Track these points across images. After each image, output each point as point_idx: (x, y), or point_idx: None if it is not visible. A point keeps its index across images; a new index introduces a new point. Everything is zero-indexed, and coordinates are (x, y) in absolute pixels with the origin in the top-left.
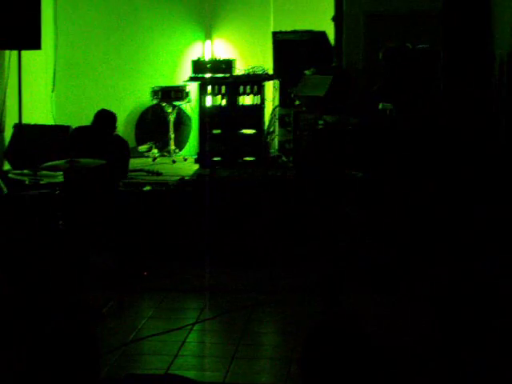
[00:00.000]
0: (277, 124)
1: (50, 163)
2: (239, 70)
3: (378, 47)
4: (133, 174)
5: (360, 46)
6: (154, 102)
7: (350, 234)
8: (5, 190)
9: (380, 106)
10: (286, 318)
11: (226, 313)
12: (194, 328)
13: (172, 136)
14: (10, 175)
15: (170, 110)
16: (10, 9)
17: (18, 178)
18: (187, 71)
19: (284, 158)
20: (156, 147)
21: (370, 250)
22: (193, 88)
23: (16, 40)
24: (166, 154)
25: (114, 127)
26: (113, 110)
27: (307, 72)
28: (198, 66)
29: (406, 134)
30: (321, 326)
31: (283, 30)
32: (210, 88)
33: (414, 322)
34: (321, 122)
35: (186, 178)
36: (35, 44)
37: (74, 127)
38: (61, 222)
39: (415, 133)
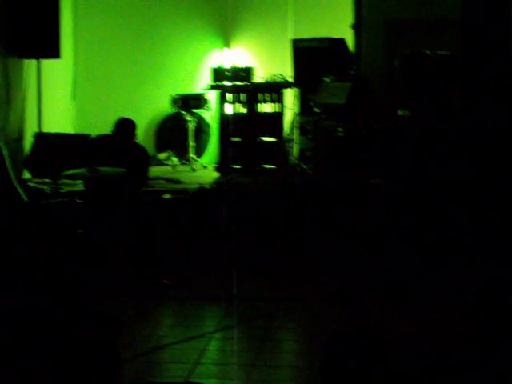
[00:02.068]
0: (296, 132)
1: (69, 172)
2: (259, 77)
3: (397, 54)
4: (152, 182)
5: (379, 53)
6: (174, 110)
7: (368, 241)
8: (25, 198)
9: (398, 113)
10: (307, 325)
11: (247, 320)
12: (215, 336)
13: (191, 144)
14: (29, 184)
15: (189, 118)
16: (29, 18)
17: (38, 186)
18: (207, 79)
19: (304, 166)
20: (175, 155)
21: (388, 257)
22: (212, 96)
23: (35, 49)
24: (185, 162)
25: (134, 135)
26: (132, 118)
27: (326, 79)
28: (218, 73)
29: (423, 141)
30: (341, 334)
31: (302, 37)
32: (229, 96)
33: (434, 331)
34: (340, 130)
35: (206, 186)
36: (54, 53)
37: (93, 136)
38: (81, 231)
39: (433, 139)
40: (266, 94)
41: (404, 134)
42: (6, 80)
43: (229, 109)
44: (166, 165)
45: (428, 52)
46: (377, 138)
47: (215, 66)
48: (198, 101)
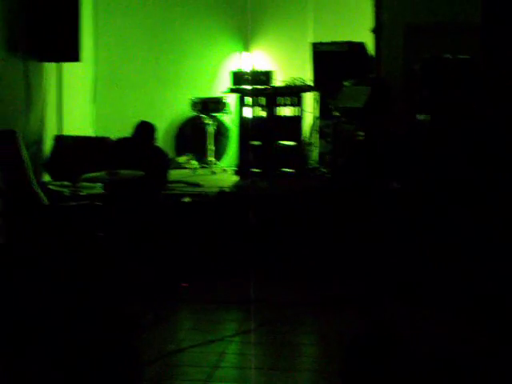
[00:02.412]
0: (316, 135)
1: (89, 174)
2: (278, 81)
3: (417, 58)
4: (172, 185)
5: (399, 57)
6: (194, 113)
7: (385, 245)
8: (44, 200)
9: (418, 117)
10: (326, 329)
11: (266, 324)
12: (234, 339)
13: (211, 147)
14: (50, 186)
15: (209, 122)
16: (49, 22)
17: (58, 189)
18: (226, 83)
19: (323, 170)
20: (195, 158)
21: (406, 261)
22: (232, 99)
23: (55, 52)
24: (205, 165)
25: (154, 139)
26: (152, 121)
27: (346, 83)
28: (238, 77)
29: (443, 145)
30: (361, 338)
31: (322, 41)
32: (249, 99)
33: (451, 333)
34: (360, 133)
35: (226, 189)
36: (74, 56)
37: (113, 138)
38: (100, 233)
39: (453, 143)
40: (286, 98)
41: (424, 138)
42: (27, 83)
43: (248, 112)
44: (186, 168)
45: (448, 56)
46: (396, 143)
47: (235, 69)
48: (217, 104)
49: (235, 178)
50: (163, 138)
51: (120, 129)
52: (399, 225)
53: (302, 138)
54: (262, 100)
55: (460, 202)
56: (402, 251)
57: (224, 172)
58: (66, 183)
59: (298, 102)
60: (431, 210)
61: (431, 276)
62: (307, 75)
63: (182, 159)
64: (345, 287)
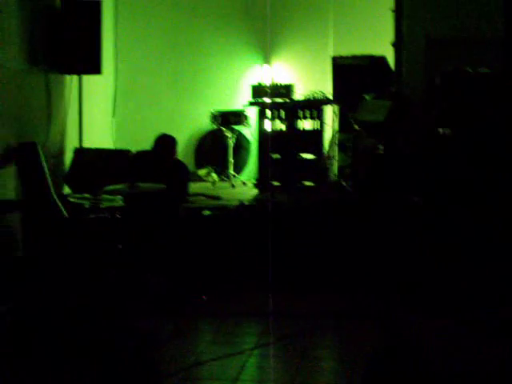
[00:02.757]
0: (336, 149)
1: (110, 187)
2: (299, 94)
3: (437, 71)
4: (192, 198)
5: (420, 71)
6: (214, 126)
7: (406, 257)
8: (64, 213)
9: (439, 131)
10: (346, 343)
11: (286, 337)
12: (254, 353)
13: (231, 160)
14: (70, 199)
15: (229, 135)
16: (71, 34)
17: (78, 201)
18: (247, 96)
19: (343, 183)
20: (215, 171)
21: (426, 274)
22: (252, 112)
23: (77, 65)
24: (224, 178)
25: (174, 151)
26: (172, 134)
27: (367, 97)
28: (258, 90)
29: (464, 158)
30: (381, 352)
31: (343, 54)
32: (269, 112)
33: (473, 347)
34: (380, 147)
35: (246, 202)
36: (95, 69)
37: (134, 151)
38: (120, 246)
39: (474, 157)
40: (306, 111)
41: (445, 151)
42: (48, 95)
43: (268, 125)
44: (206, 181)
45: (469, 70)
46: (417, 156)
47: (255, 82)
48: (237, 117)
49: (255, 191)
50: (183, 151)
51: (140, 141)
52: (419, 239)
53: (322, 152)
54: (282, 113)
55: (482, 216)
56: (421, 264)
57: (244, 185)
58: (86, 196)
59: (318, 116)
60: (452, 224)
61: (451, 289)
62: (327, 88)
63: (201, 172)
64: (364, 299)
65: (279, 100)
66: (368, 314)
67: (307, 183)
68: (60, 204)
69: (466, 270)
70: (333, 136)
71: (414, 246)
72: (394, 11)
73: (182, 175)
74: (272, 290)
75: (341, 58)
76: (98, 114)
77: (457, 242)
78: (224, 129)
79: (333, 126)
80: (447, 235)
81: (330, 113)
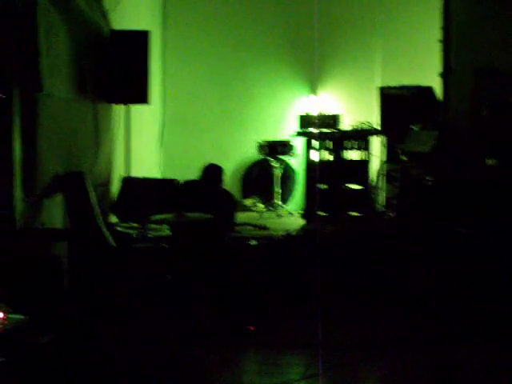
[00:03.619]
0: (383, 179)
1: (157, 216)
2: (346, 124)
3: (485, 102)
4: (239, 227)
5: (467, 101)
6: (261, 156)
7: (454, 288)
8: (112, 243)
9: (487, 162)
10: (395, 374)
11: (332, 369)
12: None
13: (277, 190)
14: (117, 228)
15: (275, 165)
16: (119, 64)
17: (126, 230)
18: (294, 126)
19: (390, 214)
20: (261, 201)
21: (474, 303)
22: (299, 142)
23: (125, 95)
24: (271, 208)
25: (222, 181)
26: (219, 163)
27: (414, 127)
28: (305, 120)
29: None
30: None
31: (390, 84)
32: (316, 143)
33: None
34: (428, 178)
35: (292, 232)
36: (143, 99)
37: (181, 181)
38: (168, 276)
39: None
40: (353, 142)
41: (493, 183)
42: (95, 124)
43: (315, 156)
44: (252, 211)
45: None
46: (465, 188)
47: (302, 112)
48: (284, 147)
49: (301, 222)
50: (230, 181)
51: (187, 171)
52: (467, 269)
53: (369, 182)
54: (329, 143)
55: None
56: (469, 293)
57: (290, 215)
58: (133, 225)
59: (364, 146)
60: (501, 255)
61: (499, 318)
62: (374, 119)
63: (248, 202)
64: (413, 328)
65: (326, 130)
66: (417, 345)
67: (354, 213)
68: (107, 233)
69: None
70: (380, 166)
71: (461, 277)
72: (441, 42)
73: (228, 205)
74: (319, 319)
75: (388, 88)
76: (145, 143)
77: (505, 271)
78: (271, 159)
79: (380, 157)
80: (496, 265)
81: (377, 143)
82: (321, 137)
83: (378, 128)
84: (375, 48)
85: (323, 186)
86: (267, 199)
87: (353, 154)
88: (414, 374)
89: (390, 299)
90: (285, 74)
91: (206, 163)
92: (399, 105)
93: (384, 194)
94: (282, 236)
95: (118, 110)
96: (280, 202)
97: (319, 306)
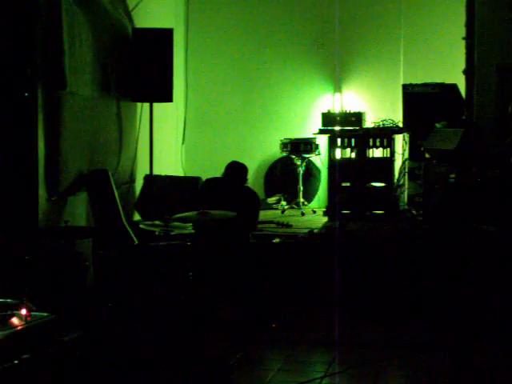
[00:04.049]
0: (406, 177)
1: (180, 214)
2: (369, 122)
3: (509, 100)
4: (262, 225)
5: (491, 99)
6: (284, 154)
7: (478, 287)
8: (135, 240)
9: (511, 160)
10: (417, 373)
11: (356, 367)
12: (323, 382)
13: (301, 188)
14: (140, 225)
15: (299, 163)
16: (143, 62)
17: (149, 228)
18: (317, 123)
19: (414, 212)
20: (285, 199)
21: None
22: (322, 140)
23: (148, 93)
24: (294, 206)
25: (245, 179)
26: (242, 161)
27: (438, 125)
28: (328, 118)
29: None
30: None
31: (413, 82)
32: (339, 140)
33: None
34: (452, 176)
35: (316, 230)
36: (167, 97)
37: (204, 178)
38: (190, 274)
39: None
40: (376, 139)
41: None
42: (119, 123)
43: (338, 153)
44: (276, 209)
45: None
46: (490, 185)
47: (325, 110)
48: (307, 145)
49: (325, 219)
50: (253, 178)
51: (209, 169)
52: (494, 268)
53: (392, 180)
54: (352, 141)
55: None
56: (495, 294)
57: (313, 213)
58: (156, 222)
59: (388, 144)
60: None
61: None
62: (398, 117)
63: (271, 200)
64: (434, 329)
65: (349, 128)
66: (440, 344)
67: (377, 212)
68: (131, 231)
69: None
70: (403, 164)
71: (486, 276)
72: (465, 39)
73: (252, 203)
74: (342, 318)
75: (411, 86)
76: (168, 141)
77: None
78: (294, 157)
79: (403, 155)
80: None
81: (400, 141)
82: (344, 135)
83: (402, 126)
84: (399, 45)
85: (346, 184)
86: (290, 197)
87: (376, 152)
88: (436, 373)
89: (412, 298)
90: (308, 71)
91: (229, 161)
92: (423, 102)
93: (407, 192)
94: (305, 234)
95: (141, 108)
96: (303, 200)
97: (341, 305)
